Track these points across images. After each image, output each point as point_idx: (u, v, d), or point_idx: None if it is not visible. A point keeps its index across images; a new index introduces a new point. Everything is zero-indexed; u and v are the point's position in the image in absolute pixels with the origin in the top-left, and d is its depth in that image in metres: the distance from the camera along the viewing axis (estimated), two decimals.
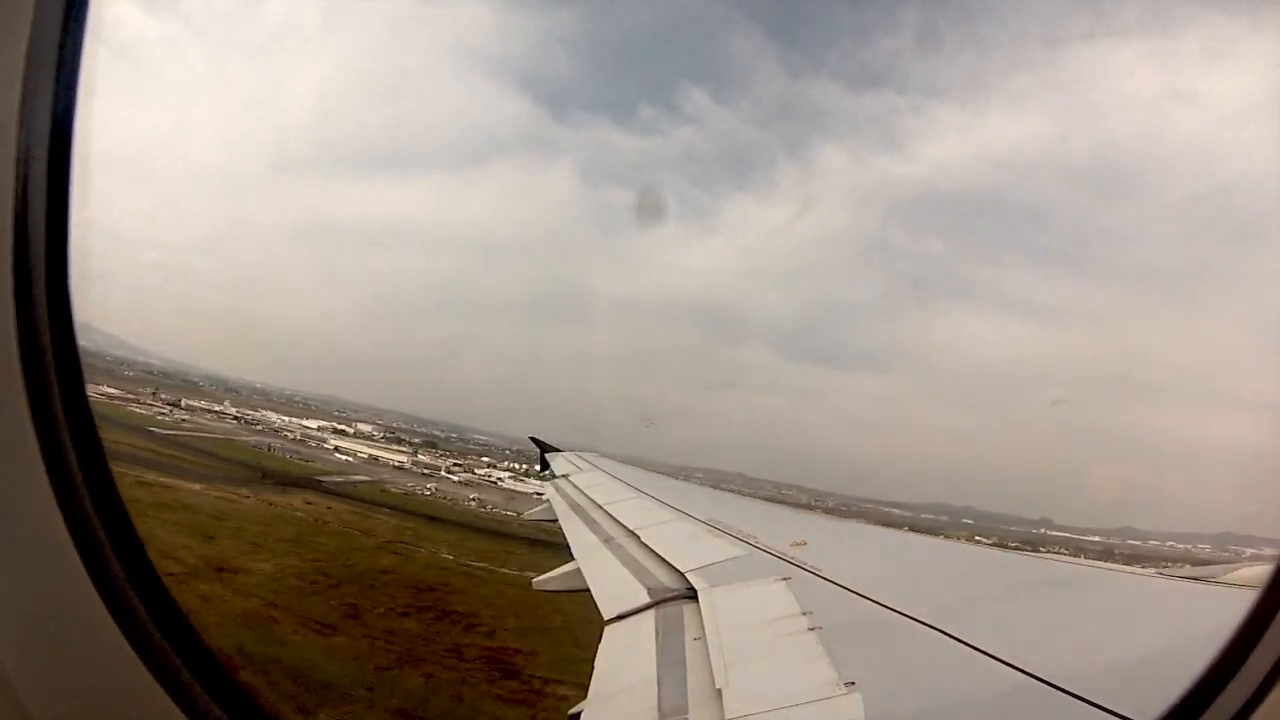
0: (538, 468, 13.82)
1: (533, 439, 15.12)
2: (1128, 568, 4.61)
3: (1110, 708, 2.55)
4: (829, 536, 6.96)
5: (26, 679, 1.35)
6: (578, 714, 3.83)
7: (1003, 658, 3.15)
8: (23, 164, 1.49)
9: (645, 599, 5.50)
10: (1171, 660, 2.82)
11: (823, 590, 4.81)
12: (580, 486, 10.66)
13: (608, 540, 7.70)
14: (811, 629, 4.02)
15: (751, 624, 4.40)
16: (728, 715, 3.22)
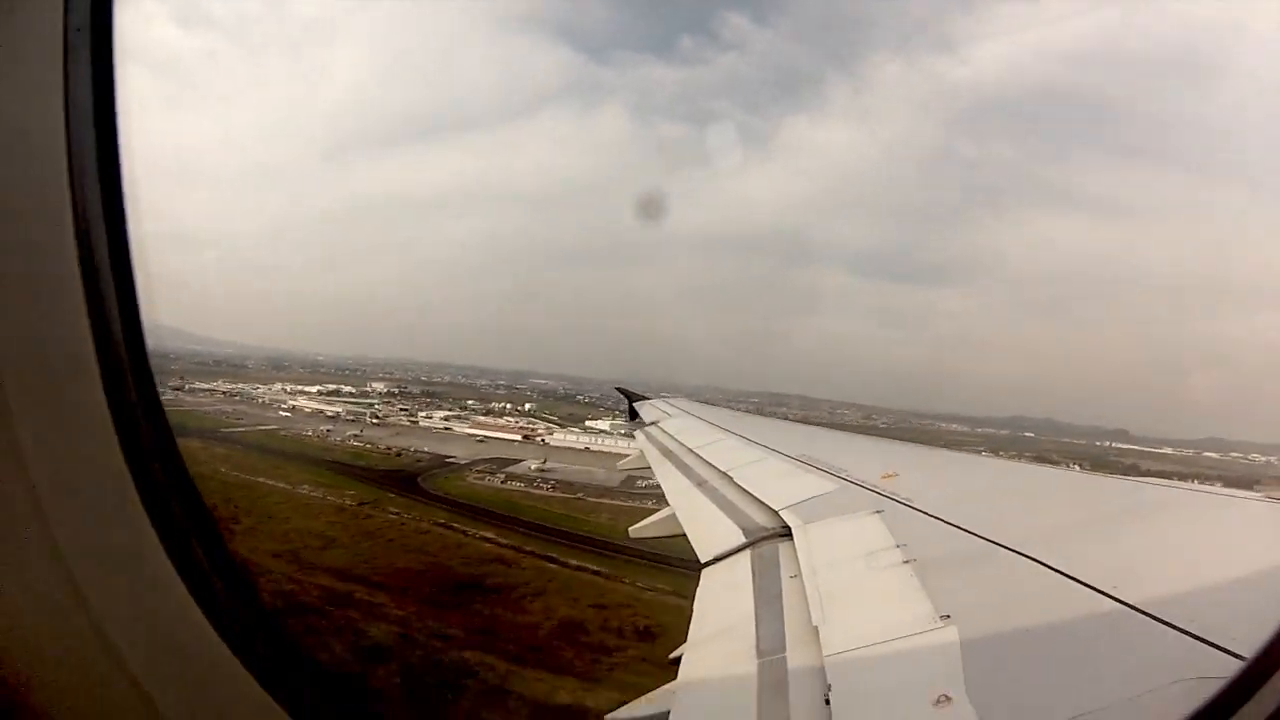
0: (626, 418, 14.02)
1: (619, 389, 15.34)
2: (1230, 490, 4.29)
3: (1209, 639, 2.45)
4: (920, 467, 6.84)
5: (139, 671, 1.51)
6: (678, 658, 3.94)
7: (1099, 586, 3.06)
8: (78, 185, 1.59)
9: (740, 539, 5.58)
10: (1273, 591, 2.68)
11: (916, 522, 4.75)
12: (670, 432, 10.78)
13: (701, 484, 7.79)
14: (906, 562, 3.99)
15: (846, 559, 4.40)
16: (825, 652, 3.25)
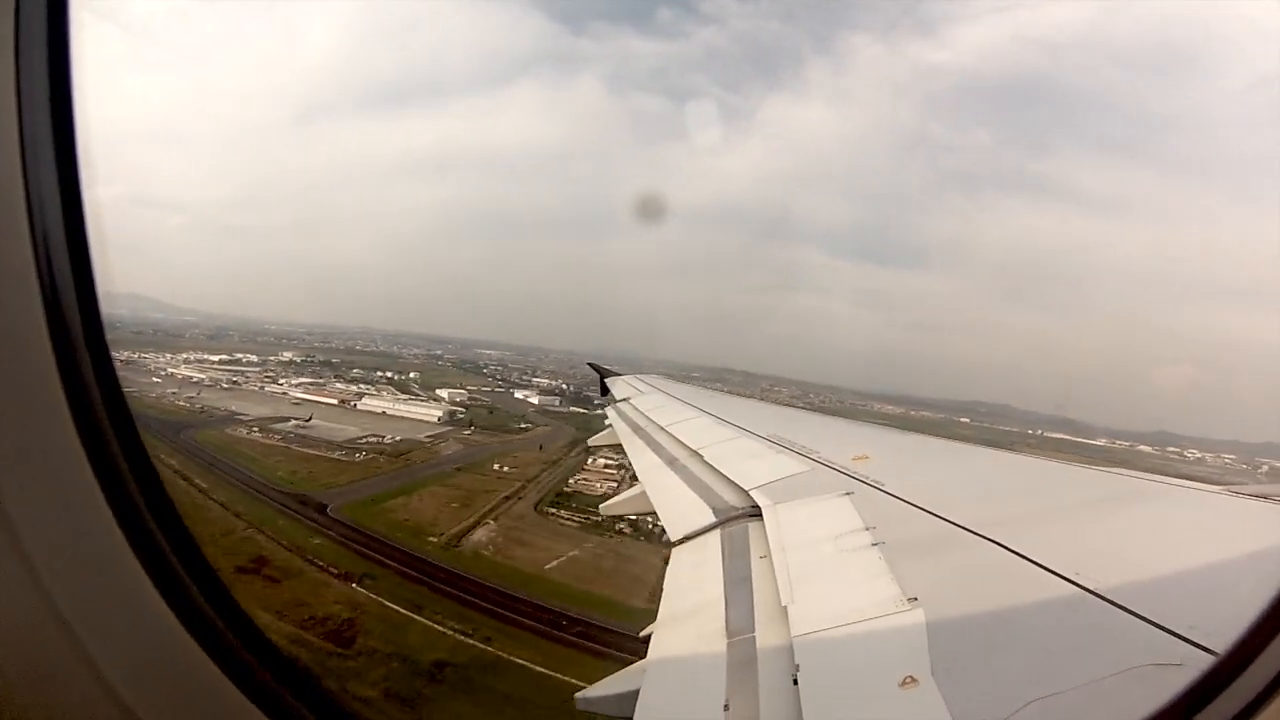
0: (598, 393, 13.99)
1: (591, 364, 15.30)
2: (1195, 483, 4.39)
3: (1170, 627, 2.51)
4: (892, 450, 6.90)
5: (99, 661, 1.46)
6: (648, 637, 3.96)
7: (1064, 573, 3.12)
8: (30, 149, 1.50)
9: (710, 519, 5.60)
10: (1240, 583, 2.76)
11: (886, 505, 4.81)
12: (642, 409, 10.77)
13: (672, 461, 7.80)
14: (874, 544, 4.05)
15: (815, 541, 4.44)
16: (794, 633, 3.29)
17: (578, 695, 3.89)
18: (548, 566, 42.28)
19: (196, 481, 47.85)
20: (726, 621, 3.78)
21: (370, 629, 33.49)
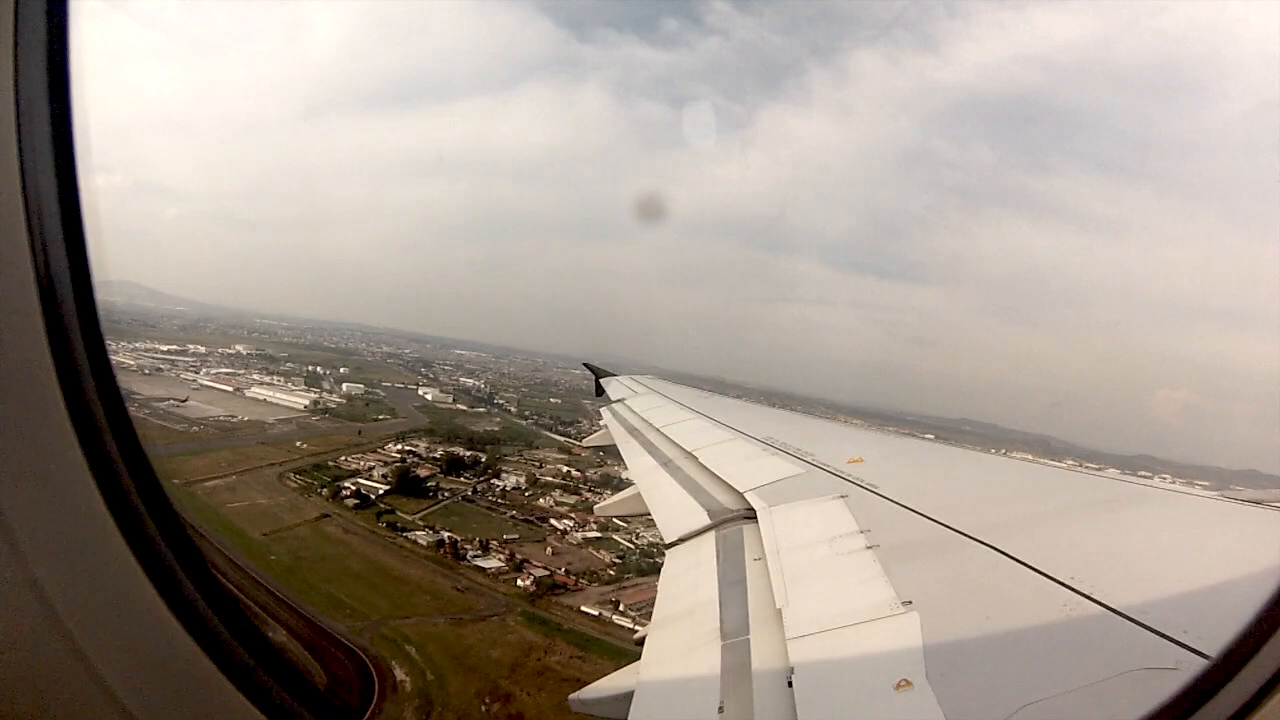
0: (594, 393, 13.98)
1: (586, 365, 15.29)
2: (1190, 489, 4.42)
3: (1164, 631, 2.52)
4: (885, 453, 6.91)
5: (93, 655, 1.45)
6: (643, 639, 3.96)
7: (1058, 577, 3.13)
8: (26, 136, 1.49)
9: (705, 521, 5.61)
10: (1233, 588, 2.77)
11: (880, 508, 4.82)
12: (637, 410, 10.76)
13: (666, 463, 7.81)
14: (869, 547, 4.05)
15: (810, 543, 4.44)
16: (788, 635, 3.29)
17: (572, 697, 3.89)
18: (229, 506, 48.18)
19: None
20: (721, 624, 3.78)
21: None
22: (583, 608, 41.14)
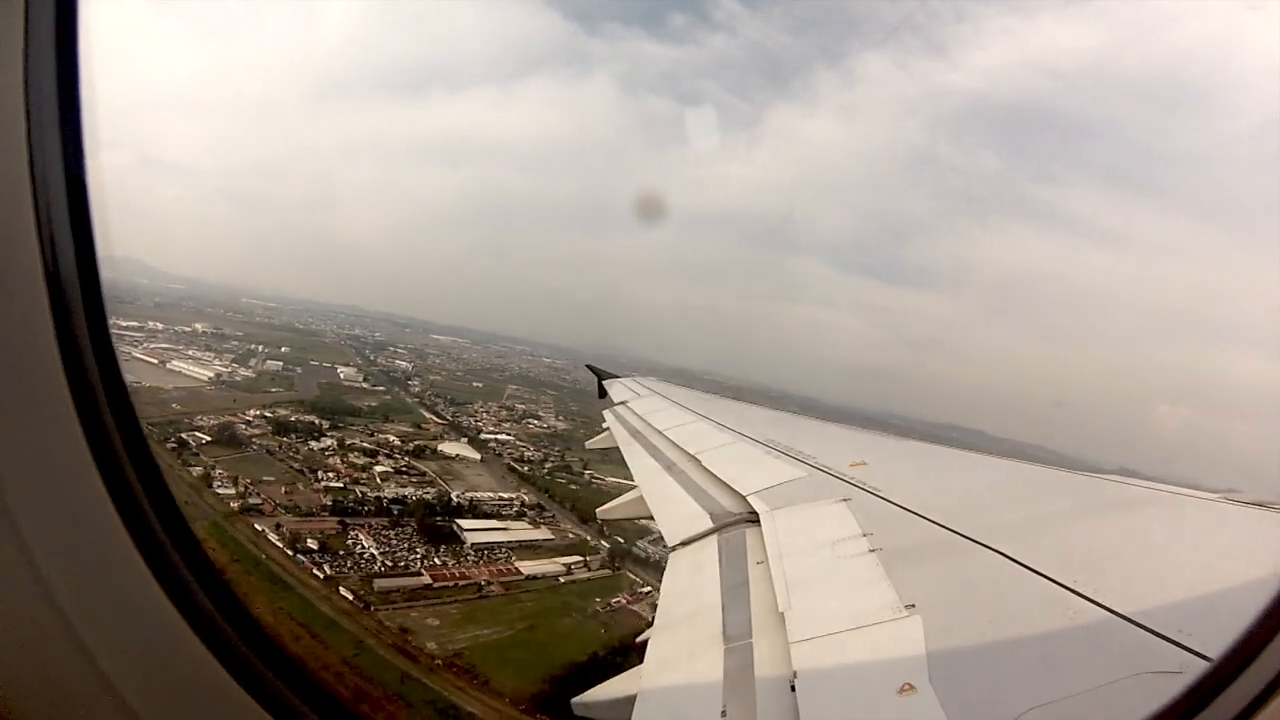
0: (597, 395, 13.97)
1: (589, 367, 15.30)
2: (1193, 491, 4.39)
3: (1169, 635, 2.52)
4: (888, 456, 6.90)
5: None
6: (644, 641, 3.96)
7: (1063, 581, 3.13)
8: (34, 112, 1.48)
9: (708, 524, 5.61)
10: (1236, 591, 2.76)
11: (883, 511, 4.81)
12: (639, 412, 10.77)
13: (669, 466, 7.81)
14: (872, 550, 4.05)
15: (813, 547, 4.44)
16: (791, 639, 3.29)
17: (575, 700, 3.89)
18: None
19: None
20: (724, 627, 3.78)
21: None
22: (269, 534, 43.74)
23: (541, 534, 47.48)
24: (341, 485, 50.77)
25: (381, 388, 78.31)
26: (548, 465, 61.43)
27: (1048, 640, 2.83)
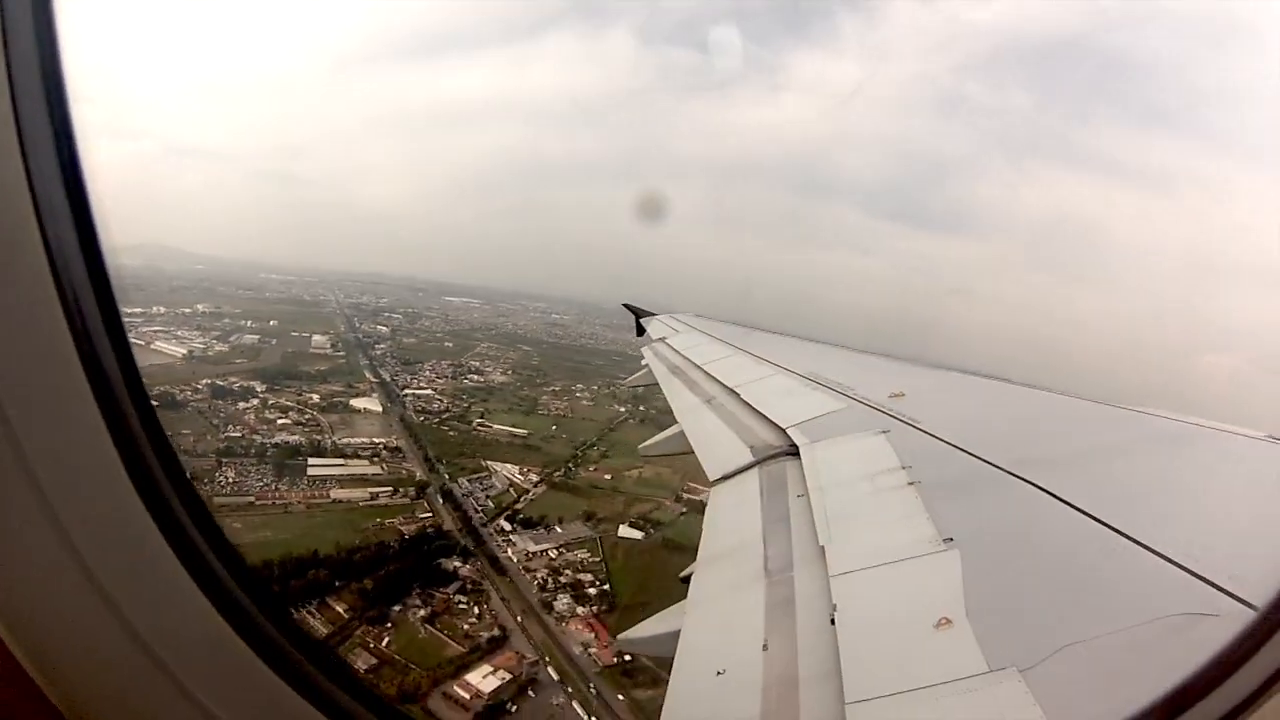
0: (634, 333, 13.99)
1: (625, 305, 15.27)
2: (1242, 428, 4.22)
3: (1208, 576, 2.50)
4: (927, 387, 6.81)
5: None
6: (688, 577, 4.07)
7: (1102, 517, 3.11)
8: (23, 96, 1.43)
9: (749, 458, 5.66)
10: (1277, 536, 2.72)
11: (922, 443, 4.80)
12: (678, 348, 10.77)
13: (709, 400, 7.85)
14: (911, 483, 4.06)
15: (852, 479, 4.47)
16: (831, 572, 3.36)
17: (620, 636, 4.04)
18: None
19: None
20: (765, 561, 3.86)
21: None
22: None
23: (374, 470, 52.24)
24: (240, 435, 54.87)
25: (342, 354, 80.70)
26: (445, 416, 65.06)
27: (1086, 578, 2.83)
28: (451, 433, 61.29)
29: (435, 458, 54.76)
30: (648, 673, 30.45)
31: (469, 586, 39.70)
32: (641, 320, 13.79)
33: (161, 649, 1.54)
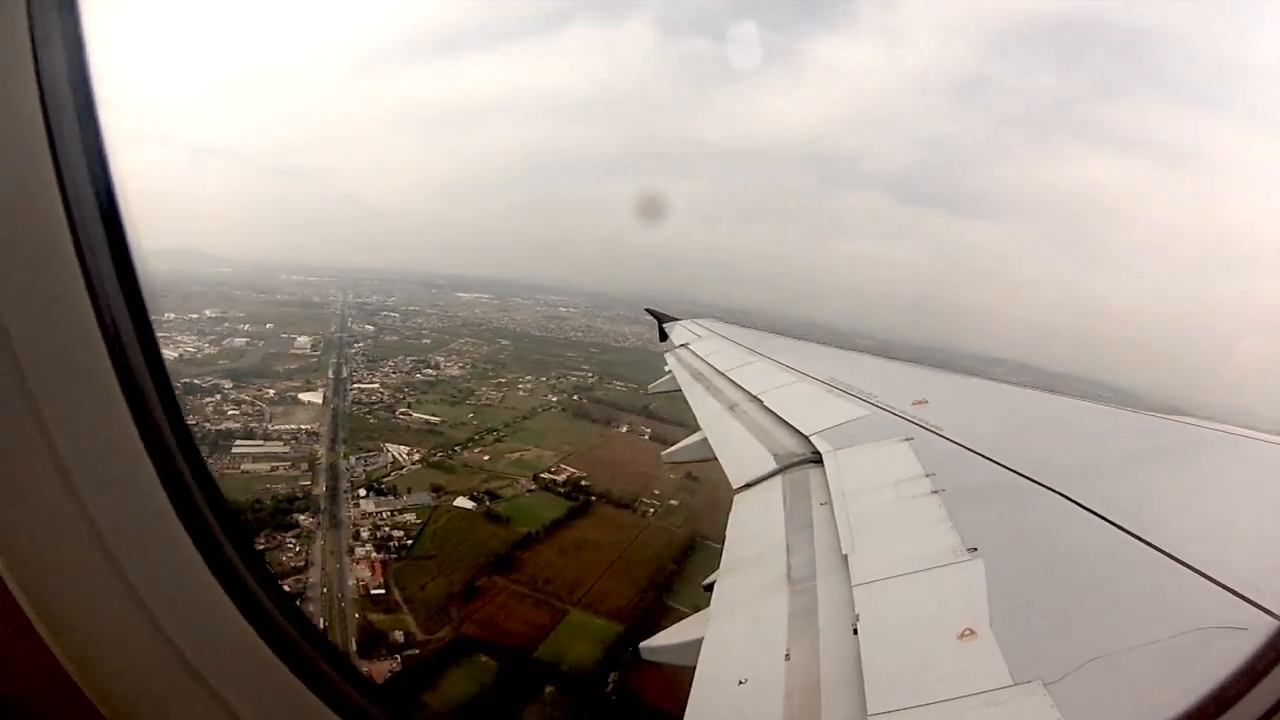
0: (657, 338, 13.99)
1: (648, 310, 15.28)
2: (1270, 435, 4.12)
3: (1237, 589, 2.47)
4: (951, 394, 6.76)
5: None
6: (711, 584, 4.09)
7: (1128, 527, 3.07)
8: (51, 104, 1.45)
9: (772, 465, 5.66)
10: None
11: (945, 451, 4.77)
12: (701, 354, 10.77)
13: (732, 407, 7.85)
14: (935, 491, 4.04)
15: (875, 487, 4.46)
16: (854, 581, 3.35)
17: (643, 645, 4.07)
18: None
19: None
20: (788, 569, 3.86)
21: None
22: None
23: (286, 449, 54.90)
24: (194, 423, 55.55)
25: (317, 354, 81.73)
26: (375, 406, 66.87)
27: (1111, 589, 2.81)
28: (372, 420, 63.49)
29: (343, 440, 57.49)
30: (387, 601, 36.50)
31: (303, 534, 43.29)
32: (664, 325, 13.79)
33: (191, 652, 1.59)
